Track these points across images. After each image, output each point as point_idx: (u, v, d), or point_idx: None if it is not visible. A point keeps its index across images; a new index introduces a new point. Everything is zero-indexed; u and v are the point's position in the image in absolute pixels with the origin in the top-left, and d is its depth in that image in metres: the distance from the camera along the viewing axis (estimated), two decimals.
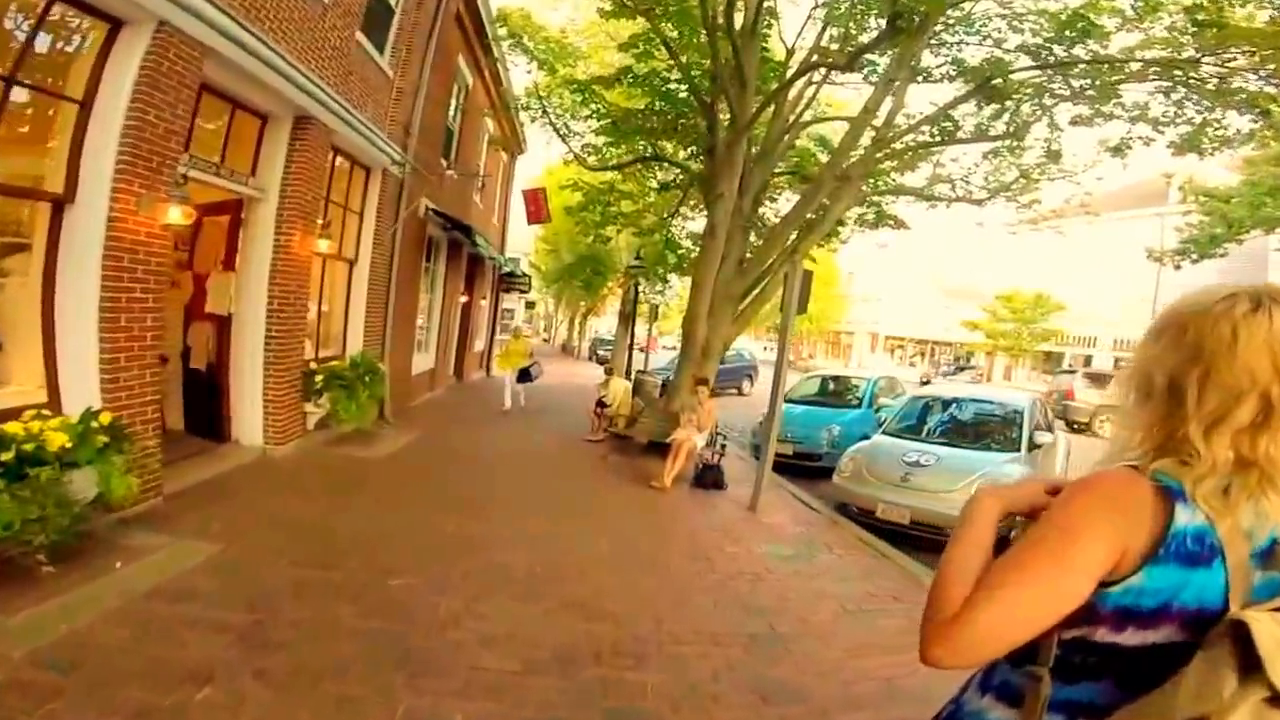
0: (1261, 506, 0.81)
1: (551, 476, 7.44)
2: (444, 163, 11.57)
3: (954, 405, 7.79)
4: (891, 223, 11.57)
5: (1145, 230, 22.96)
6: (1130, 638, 0.83)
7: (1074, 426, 16.39)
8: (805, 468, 9.15)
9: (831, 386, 11.49)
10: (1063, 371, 21.40)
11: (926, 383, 19.58)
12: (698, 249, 10.71)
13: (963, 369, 31.85)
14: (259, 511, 4.97)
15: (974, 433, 7.25)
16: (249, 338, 6.71)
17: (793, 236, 8.99)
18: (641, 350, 18.55)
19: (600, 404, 9.71)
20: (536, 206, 15.48)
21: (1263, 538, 0.81)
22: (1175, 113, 8.22)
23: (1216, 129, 8.24)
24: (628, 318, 14.79)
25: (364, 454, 7.28)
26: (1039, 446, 6.87)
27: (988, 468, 6.22)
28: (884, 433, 7.56)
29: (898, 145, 9.51)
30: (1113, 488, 0.85)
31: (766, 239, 9.36)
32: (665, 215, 13.56)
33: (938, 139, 9.72)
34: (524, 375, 11.97)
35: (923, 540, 6.08)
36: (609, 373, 9.99)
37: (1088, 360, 25.34)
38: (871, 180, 10.09)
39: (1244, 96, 7.39)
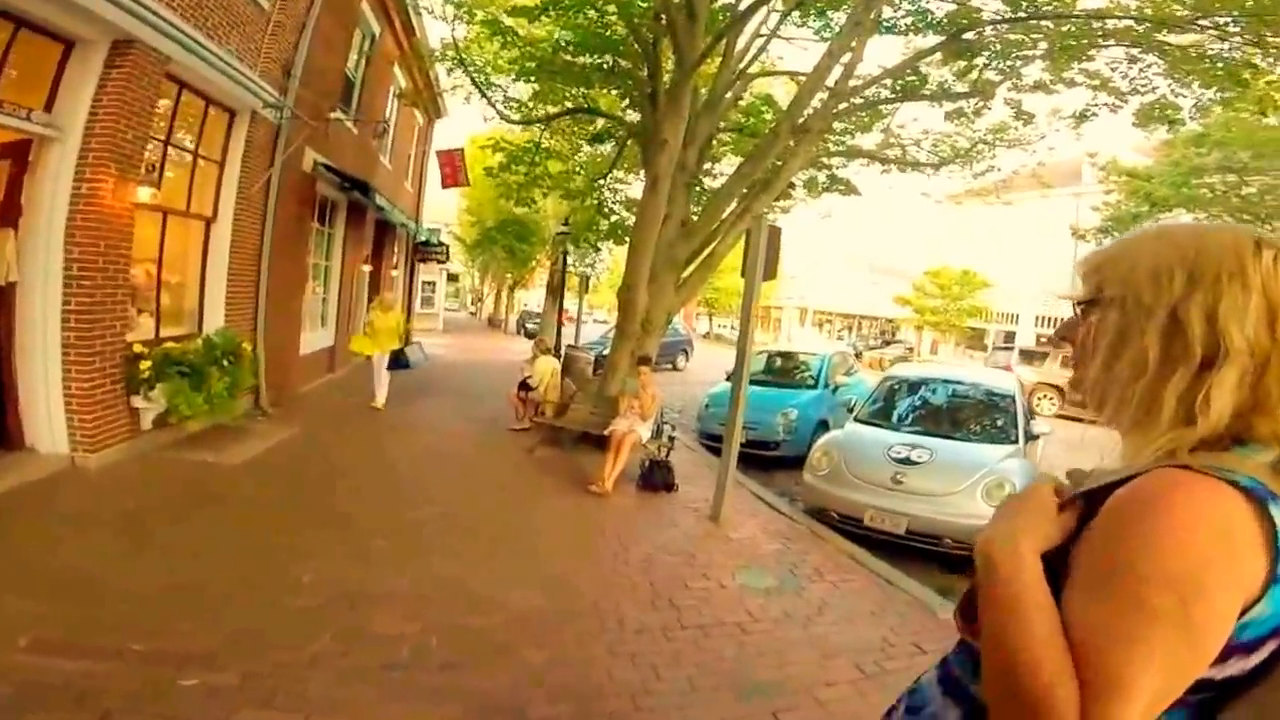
0: None
1: (466, 483, 5.97)
2: (340, 112, 9.65)
3: (932, 388, 6.84)
4: (842, 188, 10.55)
5: (1062, 210, 23.47)
6: (1227, 669, 0.67)
7: None
8: (760, 457, 8.10)
9: (780, 364, 10.47)
10: (1000, 348, 21.66)
11: (858, 355, 19.27)
12: (633, 215, 9.33)
13: (889, 343, 32.26)
14: (18, 556, 3.31)
15: (962, 421, 6.32)
16: (39, 313, 5.04)
17: (743, 195, 7.84)
18: (570, 320, 17.23)
19: (524, 386, 8.26)
20: (453, 169, 14.00)
21: None
22: (1140, 82, 7.59)
23: (1181, 99, 7.71)
24: (557, 290, 13.33)
25: (216, 460, 5.60)
26: (1036, 438, 6.02)
27: (988, 464, 5.29)
28: (857, 420, 6.52)
29: (857, 100, 8.47)
30: (1216, 513, 0.63)
31: (714, 197, 8.10)
32: (597, 177, 12.03)
33: (899, 96, 8.76)
34: (397, 361, 8.97)
35: (920, 552, 5.13)
36: (544, 350, 8.52)
37: (1010, 336, 26.12)
38: (823, 142, 9.08)
39: (1219, 66, 6.73)
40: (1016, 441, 5.80)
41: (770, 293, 37.17)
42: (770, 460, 8.15)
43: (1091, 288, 0.79)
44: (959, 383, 6.81)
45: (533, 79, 9.82)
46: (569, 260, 21.05)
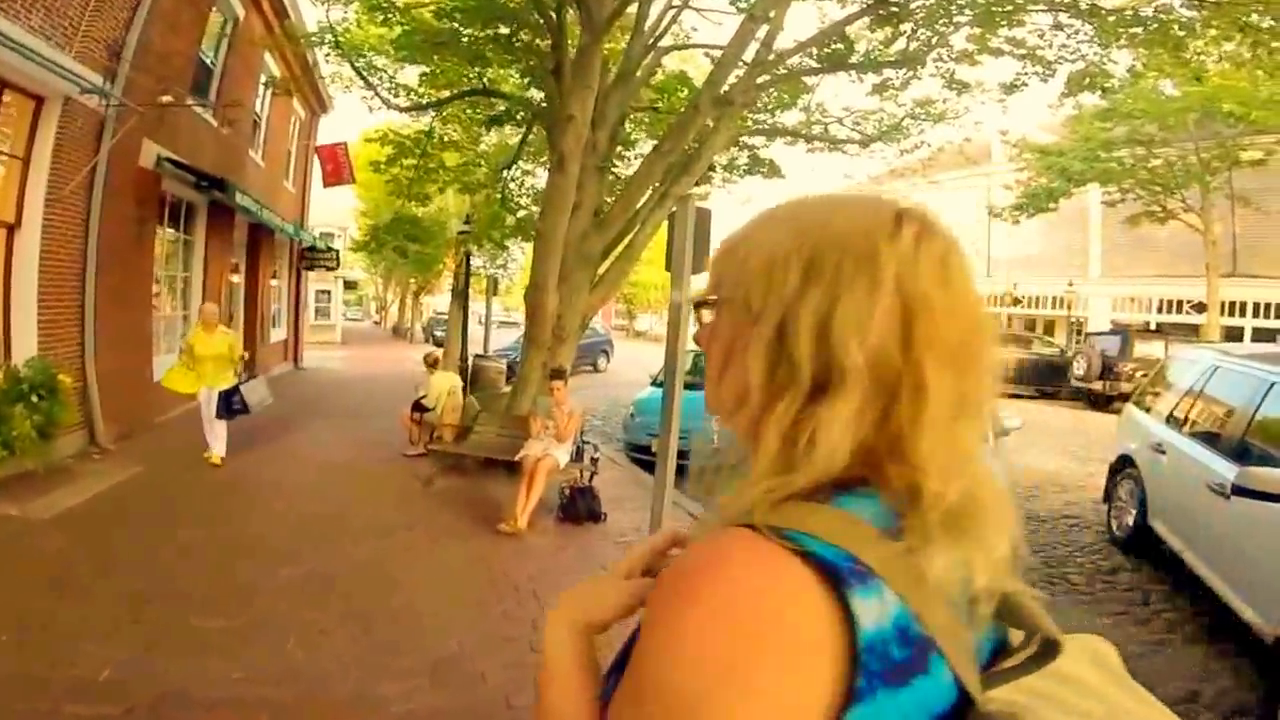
0: (964, 546, 0.48)
1: (342, 529, 4.89)
2: (194, 103, 8.38)
3: None
4: (765, 170, 9.97)
5: (975, 190, 23.82)
6: None
7: None
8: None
9: (698, 362, 9.74)
10: None
11: None
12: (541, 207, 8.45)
13: None
14: None
15: None
16: None
17: (661, 178, 7.12)
18: (480, 324, 16.21)
19: (418, 407, 7.19)
20: (335, 165, 12.84)
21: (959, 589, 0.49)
22: (1069, 50, 7.49)
23: (1111, 65, 7.63)
24: (462, 294, 12.25)
25: (20, 513, 4.56)
26: (1007, 433, 5.52)
27: None
28: None
29: (781, 70, 7.93)
30: (764, 602, 0.45)
31: (629, 182, 7.32)
32: (502, 168, 10.99)
33: (825, 66, 8.29)
34: (228, 405, 6.29)
35: None
36: (430, 364, 7.43)
37: None
38: (744, 120, 8.53)
39: (1153, 27, 6.58)
40: (984, 440, 5.25)
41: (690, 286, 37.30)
42: None
43: (712, 282, 0.60)
44: None
45: (419, 59, 8.81)
46: (475, 261, 19.97)
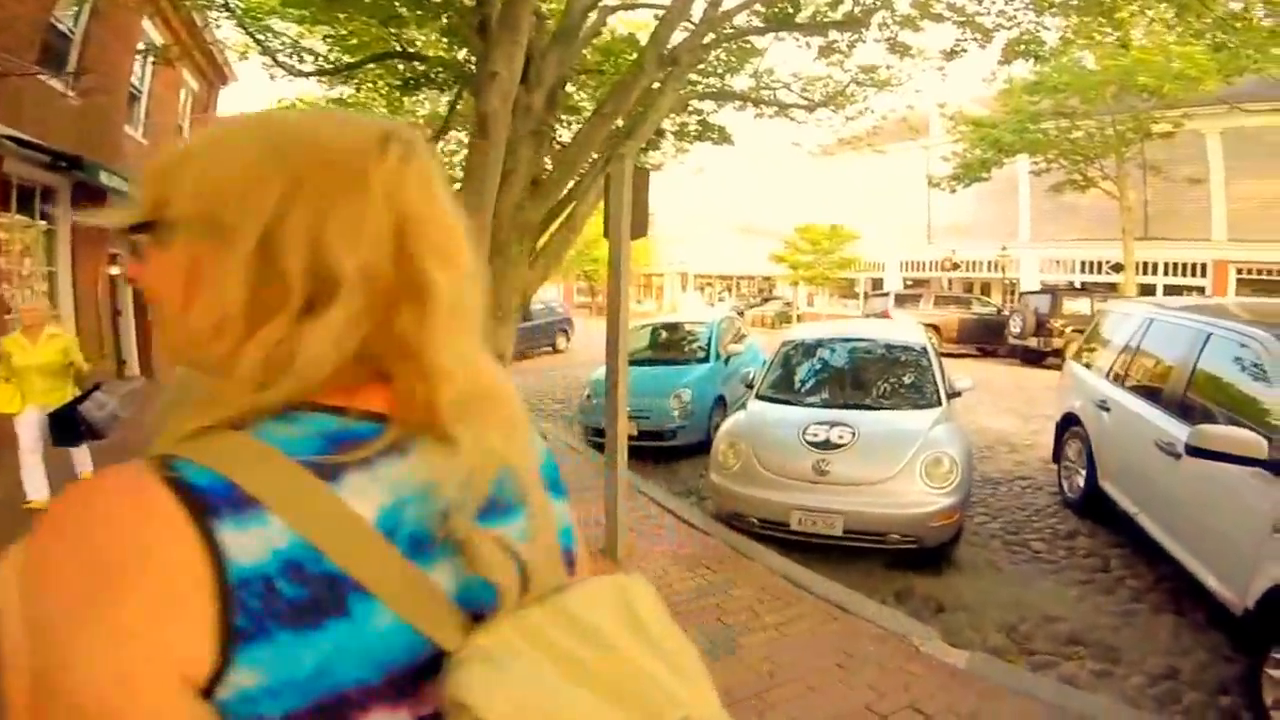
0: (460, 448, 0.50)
1: None
2: (35, 71, 7.28)
3: (835, 349, 6.03)
4: (715, 136, 9.59)
5: (914, 162, 24.82)
6: None
7: None
8: (655, 450, 7.03)
9: (665, 338, 9.42)
10: (875, 295, 22.49)
11: (741, 314, 19.19)
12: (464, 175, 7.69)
13: (767, 300, 32.98)
14: None
15: (877, 386, 5.53)
16: None
17: (604, 142, 6.61)
18: None
19: None
20: None
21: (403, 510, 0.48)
22: (1006, 17, 7.40)
23: (1045, 31, 7.61)
24: None
25: None
26: (958, 394, 5.37)
27: (919, 437, 4.51)
28: (759, 397, 5.57)
29: (728, 29, 7.54)
30: (119, 538, 0.42)
31: (569, 147, 6.75)
32: (428, 140, 10.19)
33: (772, 24, 7.95)
34: (69, 425, 4.43)
35: (862, 552, 4.30)
36: None
37: (878, 284, 27.39)
38: (692, 85, 8.09)
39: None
40: (939, 403, 5.11)
41: (647, 259, 37.20)
42: (668, 451, 7.09)
43: (150, 203, 0.51)
44: (864, 340, 6.03)
45: (320, 18, 7.89)
46: None
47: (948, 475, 4.28)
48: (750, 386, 5.89)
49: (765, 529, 4.45)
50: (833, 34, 7.79)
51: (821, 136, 12.52)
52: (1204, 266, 19.63)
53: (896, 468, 4.29)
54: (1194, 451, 3.22)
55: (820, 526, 4.21)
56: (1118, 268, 19.78)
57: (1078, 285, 20.05)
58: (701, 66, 8.41)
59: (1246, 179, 18.79)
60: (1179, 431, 3.79)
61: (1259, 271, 18.62)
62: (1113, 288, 18.55)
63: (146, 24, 10.29)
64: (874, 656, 3.03)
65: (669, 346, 9.07)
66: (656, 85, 6.34)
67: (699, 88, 8.73)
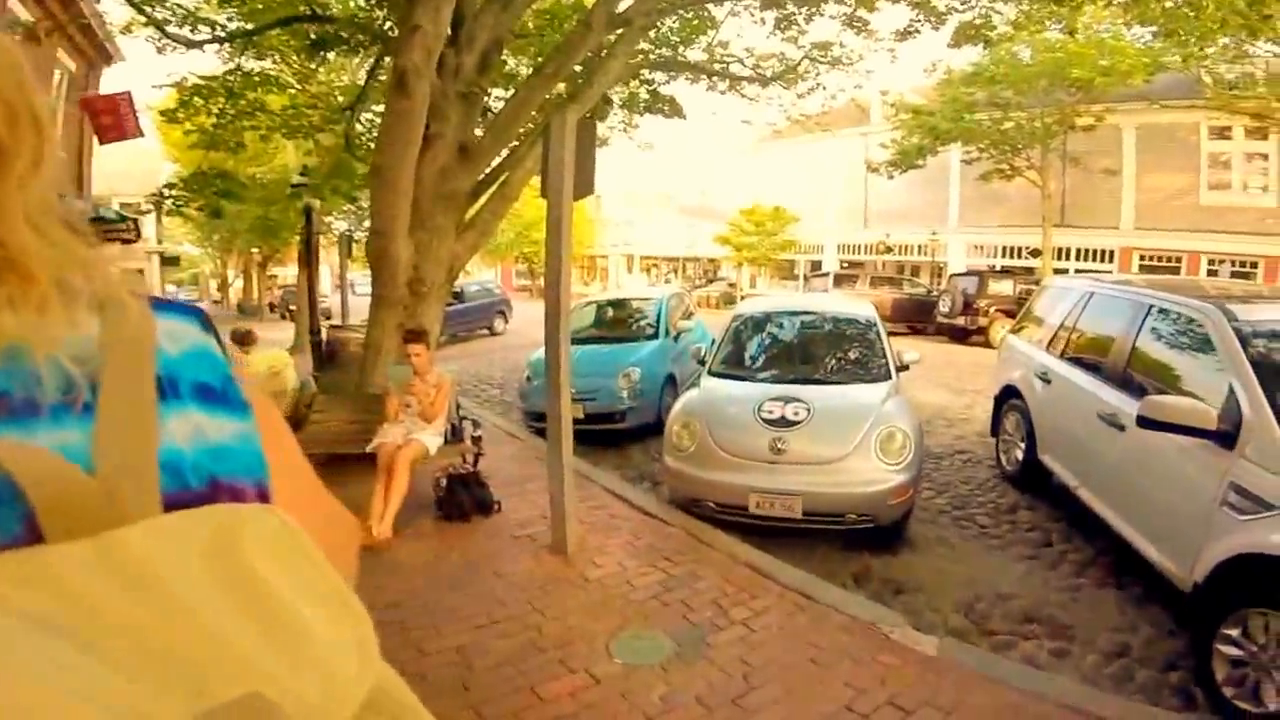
0: None
1: None
2: None
3: (784, 323, 5.91)
4: (665, 108, 9.26)
5: (854, 147, 25.60)
6: None
7: None
8: (604, 433, 6.75)
9: (611, 315, 9.07)
10: (816, 275, 22.89)
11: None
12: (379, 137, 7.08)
13: (712, 281, 33.26)
14: None
15: (828, 360, 5.43)
16: None
17: (544, 106, 6.21)
18: (354, 292, 14.48)
19: None
20: (115, 118, 10.77)
21: None
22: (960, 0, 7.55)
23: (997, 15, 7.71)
24: (306, 256, 10.62)
25: None
26: (906, 367, 5.34)
27: (872, 411, 4.42)
28: (712, 373, 5.39)
29: None
30: None
31: (506, 109, 6.28)
32: (345, 108, 9.36)
33: None
34: None
35: (818, 533, 4.18)
36: (241, 341, 6.00)
37: (817, 265, 27.94)
38: (645, 52, 7.76)
39: None
40: (890, 376, 5.07)
41: (591, 239, 36.92)
42: (616, 435, 6.82)
43: None
44: (813, 314, 5.94)
45: None
46: (329, 221, 17.74)
47: (901, 451, 4.21)
48: (703, 363, 5.70)
49: (723, 513, 4.27)
50: (790, 5, 7.60)
51: (770, 116, 12.50)
52: (1112, 253, 20.91)
53: (852, 444, 4.18)
54: (1145, 423, 3.20)
55: (778, 509, 4.06)
56: (1035, 253, 21.01)
57: (998, 269, 21.06)
58: (654, 35, 8.10)
59: (1155, 172, 20.07)
60: (1121, 403, 3.84)
61: (1157, 258, 20.01)
62: (1030, 271, 19.56)
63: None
64: (846, 649, 2.90)
65: (615, 324, 8.75)
66: (605, 50, 5.95)
67: (651, 56, 8.41)
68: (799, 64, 8.62)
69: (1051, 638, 3.30)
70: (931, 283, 22.56)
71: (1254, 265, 18.38)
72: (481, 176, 6.05)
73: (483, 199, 6.15)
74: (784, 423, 4.34)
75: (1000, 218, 22.56)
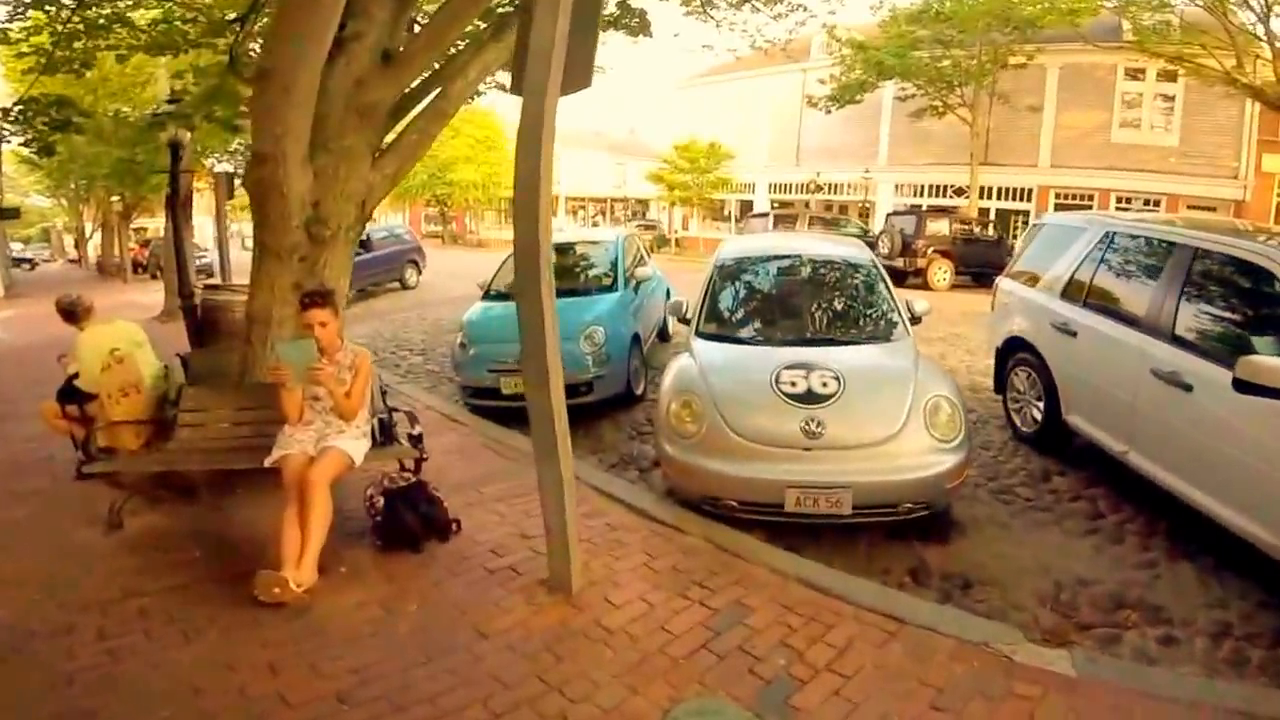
0: None
1: None
2: None
3: (780, 271, 4.96)
4: (633, 21, 7.86)
5: (789, 84, 24.85)
6: None
7: None
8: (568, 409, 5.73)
9: (558, 261, 7.76)
10: (755, 216, 22.09)
11: None
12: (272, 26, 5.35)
13: (642, 224, 31.98)
14: None
15: (841, 316, 4.59)
16: None
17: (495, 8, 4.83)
18: (244, 247, 12.30)
19: (71, 393, 4.11)
20: None
21: None
22: None
23: None
24: (173, 201, 8.70)
25: None
26: (919, 320, 4.60)
27: (909, 379, 3.70)
28: (701, 335, 4.48)
29: None
30: None
31: (444, 11, 4.80)
32: (234, 19, 7.32)
33: None
34: None
35: (867, 528, 3.49)
36: (69, 314, 4.43)
37: (748, 205, 27.34)
38: None
39: None
40: (907, 333, 4.34)
41: (508, 179, 34.75)
42: (581, 410, 5.77)
43: None
44: (807, 258, 5.03)
45: None
46: (210, 163, 15.21)
47: (951, 424, 3.52)
48: (686, 321, 4.76)
49: (749, 512, 3.45)
50: None
51: (733, 42, 11.48)
52: (1030, 191, 21.49)
53: (899, 421, 3.43)
54: (1244, 387, 2.83)
55: (824, 506, 3.27)
56: (960, 191, 21.38)
57: (925, 208, 21.15)
58: None
59: (1072, 110, 20.70)
60: (1181, 360, 3.46)
61: (1071, 196, 20.70)
62: (954, 210, 19.76)
63: None
64: (969, 683, 2.27)
65: (564, 274, 7.42)
66: None
67: None
68: None
69: (1152, 625, 2.92)
70: (864, 222, 22.48)
71: (1157, 203, 19.45)
72: (409, 89, 4.70)
73: (409, 117, 4.81)
74: (812, 397, 3.52)
75: (928, 156, 22.71)
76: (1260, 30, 13.43)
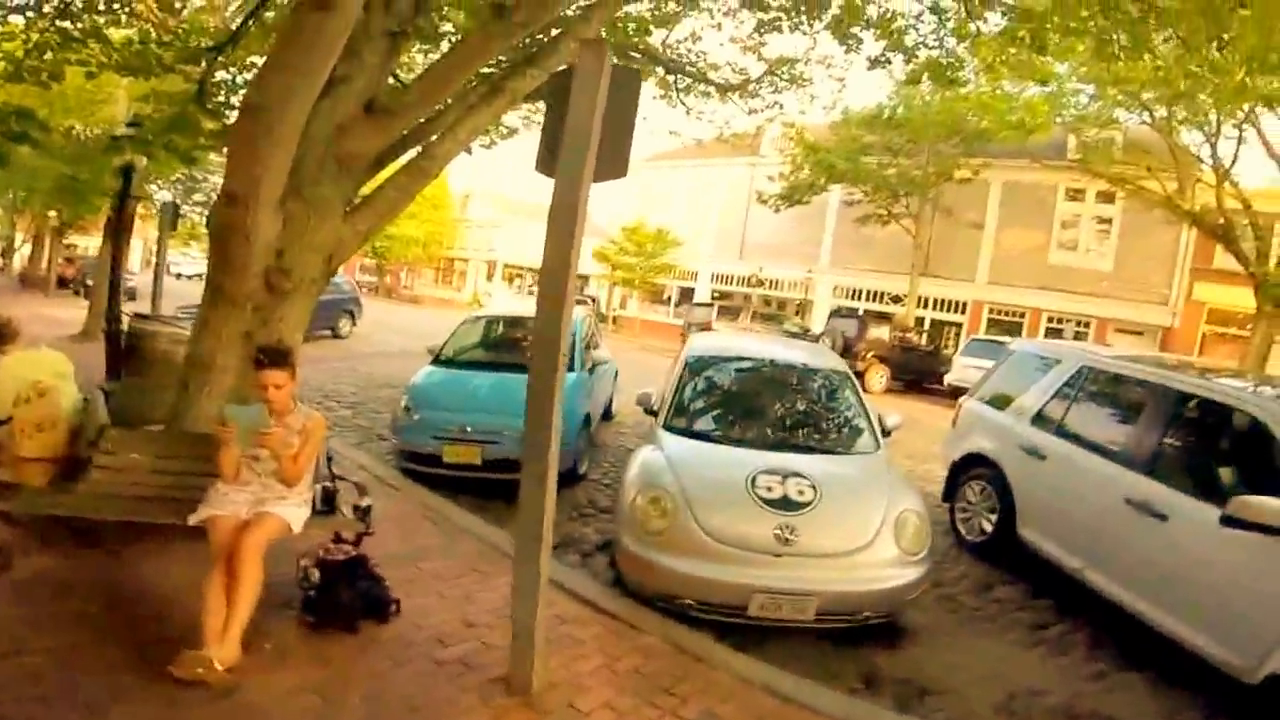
0: None
1: None
2: None
3: (753, 373, 5.06)
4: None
5: (737, 176, 26.06)
6: None
7: None
8: (502, 484, 5.52)
9: (507, 334, 7.70)
10: (699, 304, 22.65)
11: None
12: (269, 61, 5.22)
13: (580, 300, 32.39)
14: None
15: (817, 423, 4.69)
16: None
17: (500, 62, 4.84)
18: (175, 275, 11.68)
19: None
20: None
21: None
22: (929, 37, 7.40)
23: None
24: (116, 224, 8.29)
25: None
26: (889, 434, 4.74)
27: (882, 491, 3.81)
28: (670, 429, 4.44)
29: None
30: None
31: (446, 60, 4.77)
32: (212, 48, 7.23)
33: None
34: None
35: (820, 631, 3.47)
36: None
37: (688, 292, 28.23)
38: (619, 19, 6.82)
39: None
40: (879, 445, 4.48)
41: (452, 239, 35.17)
42: (517, 488, 5.61)
43: None
44: (782, 364, 5.17)
45: None
46: (152, 189, 14.68)
47: (918, 538, 3.62)
48: (652, 413, 4.74)
49: (706, 611, 3.36)
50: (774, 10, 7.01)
51: (699, 131, 12.03)
52: (965, 304, 22.84)
53: (870, 533, 3.49)
54: (1232, 522, 3.13)
55: (788, 612, 3.24)
56: (897, 299, 22.53)
57: (860, 313, 22.26)
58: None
59: (1013, 227, 22.00)
60: (1158, 492, 3.77)
61: (1005, 313, 22.12)
62: (891, 316, 20.82)
63: None
64: None
65: (511, 347, 7.43)
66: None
67: (627, 28, 7.47)
68: (762, 76, 8.12)
69: None
70: (802, 320, 23.33)
71: (1087, 324, 20.75)
72: (391, 142, 4.68)
73: (387, 170, 4.77)
74: (788, 504, 3.54)
75: (870, 261, 23.74)
76: (1205, 152, 13.97)
